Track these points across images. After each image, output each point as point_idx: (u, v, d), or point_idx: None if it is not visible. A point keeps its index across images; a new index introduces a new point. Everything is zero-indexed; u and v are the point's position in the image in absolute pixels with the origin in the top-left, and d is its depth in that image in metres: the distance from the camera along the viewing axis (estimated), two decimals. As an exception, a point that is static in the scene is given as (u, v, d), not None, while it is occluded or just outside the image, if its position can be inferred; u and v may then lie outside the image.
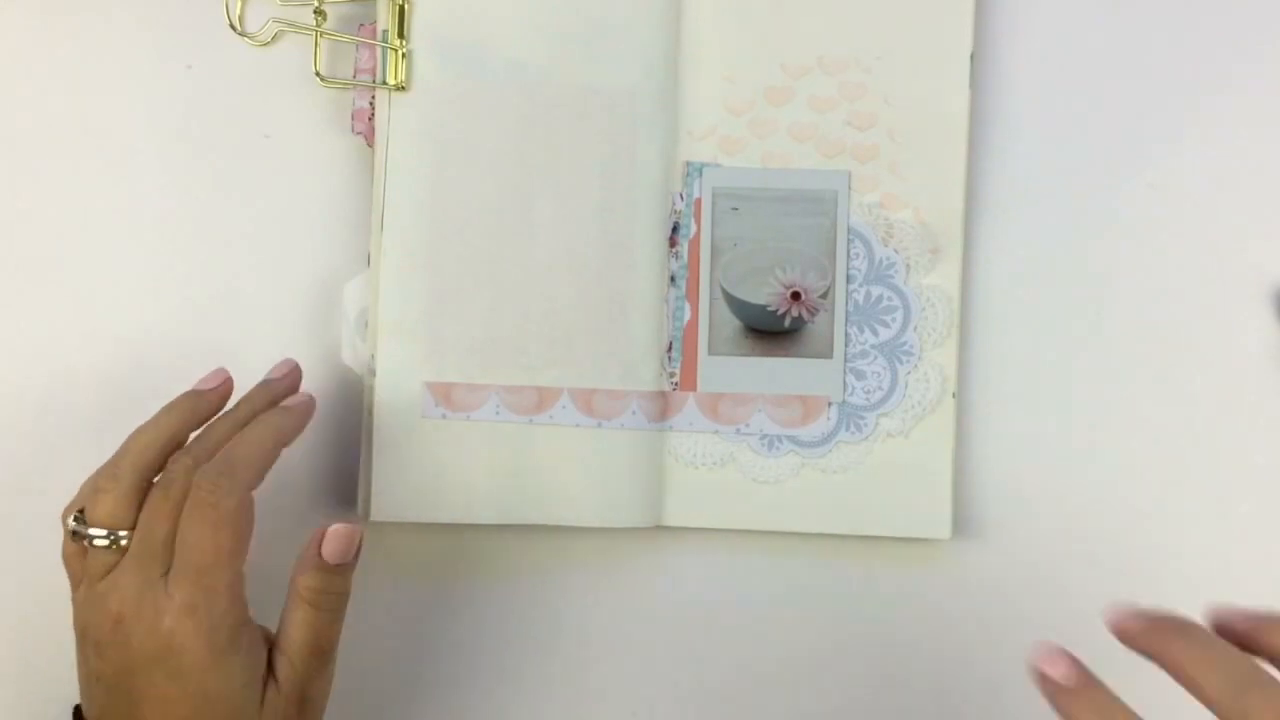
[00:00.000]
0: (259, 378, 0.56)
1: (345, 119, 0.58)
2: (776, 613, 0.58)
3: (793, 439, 0.57)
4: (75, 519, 0.49)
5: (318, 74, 0.58)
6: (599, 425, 0.57)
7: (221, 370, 0.53)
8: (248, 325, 0.58)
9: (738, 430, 0.57)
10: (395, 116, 0.57)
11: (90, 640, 0.48)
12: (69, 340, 0.59)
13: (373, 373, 0.56)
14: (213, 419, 0.52)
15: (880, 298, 0.58)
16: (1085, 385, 0.58)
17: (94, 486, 0.49)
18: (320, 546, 0.50)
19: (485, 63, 0.57)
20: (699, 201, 0.58)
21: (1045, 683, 0.44)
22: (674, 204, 0.58)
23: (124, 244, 0.59)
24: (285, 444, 0.51)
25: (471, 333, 0.56)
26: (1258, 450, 0.58)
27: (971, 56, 0.57)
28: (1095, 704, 0.42)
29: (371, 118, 0.57)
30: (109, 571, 0.48)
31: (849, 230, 0.58)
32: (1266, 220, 0.59)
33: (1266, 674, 0.40)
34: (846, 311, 0.58)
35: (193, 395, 0.52)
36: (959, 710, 0.58)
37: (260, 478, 0.50)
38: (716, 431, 0.57)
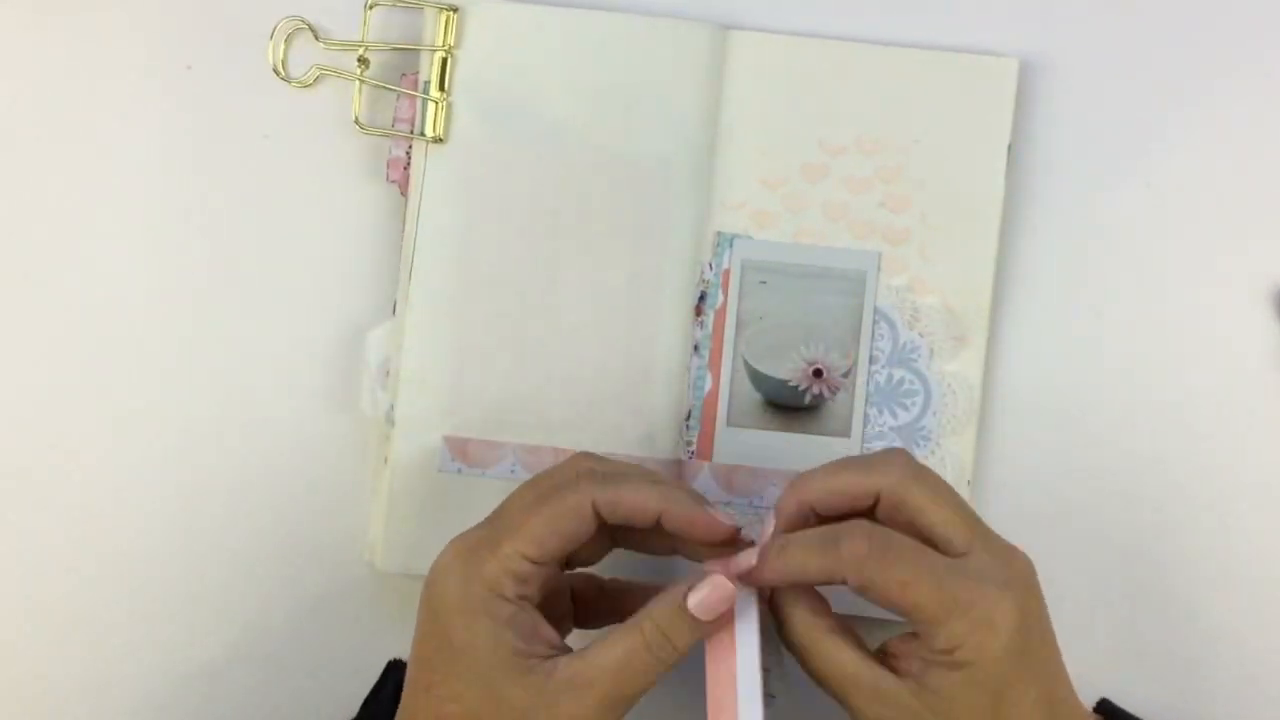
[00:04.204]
0: (279, 421, 0.57)
1: (380, 165, 0.58)
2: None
3: (806, 516, 0.57)
4: None
5: (357, 121, 0.57)
6: (613, 490, 0.57)
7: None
8: (268, 367, 0.58)
9: (751, 503, 0.57)
10: (431, 168, 0.57)
11: None
12: (72, 363, 0.59)
13: (391, 423, 0.56)
14: None
15: (902, 380, 0.58)
16: (1108, 487, 0.58)
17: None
18: (689, 592, 0.46)
19: (524, 121, 0.57)
20: (728, 272, 0.58)
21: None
22: (703, 273, 0.58)
23: (138, 285, 0.59)
24: (660, 513, 0.48)
25: (492, 390, 0.56)
26: (1258, 450, 0.58)
27: (1010, 147, 0.58)
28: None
29: (407, 167, 0.57)
30: None
31: (875, 311, 0.58)
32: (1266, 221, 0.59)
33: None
34: (867, 392, 0.58)
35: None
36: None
37: (617, 514, 0.47)
38: (730, 503, 0.57)
